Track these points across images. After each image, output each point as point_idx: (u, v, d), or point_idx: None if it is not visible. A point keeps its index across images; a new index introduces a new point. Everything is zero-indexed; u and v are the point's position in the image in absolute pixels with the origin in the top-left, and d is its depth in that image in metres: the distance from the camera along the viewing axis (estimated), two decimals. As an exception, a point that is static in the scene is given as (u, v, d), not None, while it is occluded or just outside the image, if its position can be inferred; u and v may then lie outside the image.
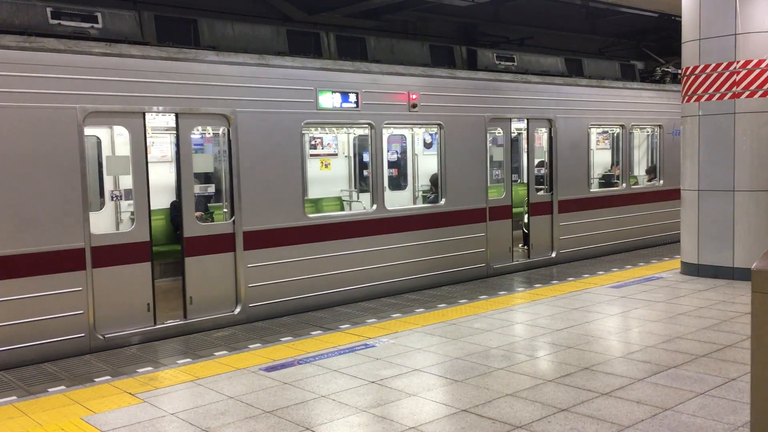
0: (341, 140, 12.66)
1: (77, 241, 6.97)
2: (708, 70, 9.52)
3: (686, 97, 9.89)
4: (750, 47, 9.20)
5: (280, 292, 8.42)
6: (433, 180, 11.65)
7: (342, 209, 12.03)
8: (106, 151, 9.44)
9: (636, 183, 14.33)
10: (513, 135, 16.28)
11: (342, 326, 7.67)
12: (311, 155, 12.25)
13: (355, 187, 12.76)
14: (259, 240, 8.22)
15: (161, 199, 10.64)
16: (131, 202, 10.32)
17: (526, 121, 11.45)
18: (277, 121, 8.35)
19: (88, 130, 7.27)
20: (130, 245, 7.33)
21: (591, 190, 12.46)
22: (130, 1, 9.34)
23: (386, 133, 10.85)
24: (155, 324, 7.45)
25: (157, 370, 6.21)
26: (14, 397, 5.59)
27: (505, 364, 6.05)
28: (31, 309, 6.73)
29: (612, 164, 15.89)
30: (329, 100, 8.81)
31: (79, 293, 7.00)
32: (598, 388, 5.38)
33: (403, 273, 9.62)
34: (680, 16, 10.01)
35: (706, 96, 9.58)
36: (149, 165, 10.33)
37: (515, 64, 11.49)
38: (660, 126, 13.61)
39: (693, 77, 9.72)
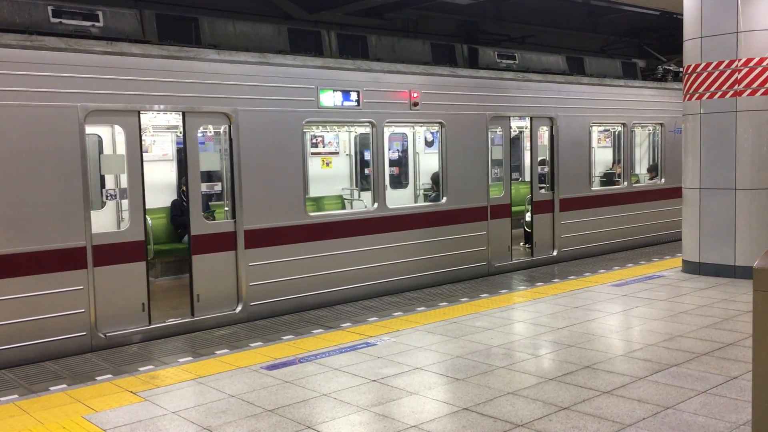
0: (342, 139, 12.66)
1: (78, 239, 6.97)
2: (710, 68, 9.51)
3: (688, 96, 9.88)
4: (751, 45, 9.19)
5: (281, 290, 8.42)
6: (435, 178, 11.65)
7: (343, 208, 12.02)
8: (107, 150, 9.45)
9: (637, 181, 14.32)
10: (514, 133, 16.34)
11: (343, 325, 7.67)
12: (312, 154, 12.26)
13: (357, 186, 12.75)
14: (260, 238, 8.23)
15: (162, 197, 10.67)
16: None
17: (529, 119, 11.44)
18: (278, 120, 8.35)
19: (90, 129, 7.27)
20: (124, 244, 7.31)
21: (592, 189, 12.45)
22: (132, -1, 9.35)
23: (387, 132, 10.85)
24: (150, 324, 7.41)
25: (159, 368, 6.22)
26: (16, 396, 5.59)
27: (507, 363, 6.05)
28: (32, 307, 6.73)
29: (613, 162, 15.89)
30: (330, 98, 8.80)
31: (80, 292, 7.00)
32: (599, 387, 5.38)
33: (404, 271, 9.62)
34: (682, 14, 10.00)
35: (708, 94, 9.56)
36: (147, 163, 10.38)
37: (516, 62, 11.48)
38: (661, 124, 13.60)
39: (694, 75, 9.71)
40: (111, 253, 7.22)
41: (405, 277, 9.63)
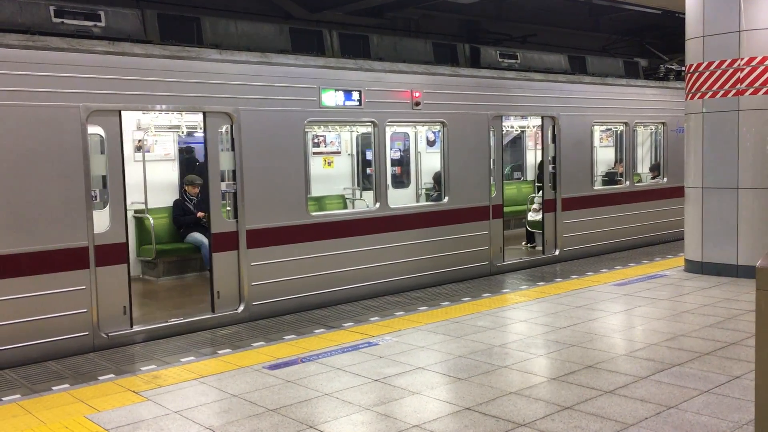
0: (344, 138, 12.66)
1: (81, 239, 6.98)
2: (712, 67, 9.49)
3: (690, 95, 9.87)
4: (754, 44, 9.17)
5: (283, 290, 8.42)
6: (436, 178, 11.65)
7: (345, 207, 12.03)
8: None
9: (639, 181, 14.31)
10: (515, 133, 16.34)
11: (345, 324, 7.67)
12: (314, 153, 12.26)
13: (358, 185, 12.76)
14: (262, 238, 8.23)
15: (164, 197, 10.68)
16: (133, 200, 10.40)
17: (540, 118, 11.44)
18: (280, 119, 8.35)
19: (92, 129, 7.27)
20: (104, 246, 7.20)
21: (594, 188, 12.44)
22: (133, -1, 9.36)
23: (389, 131, 10.85)
24: (131, 327, 7.35)
25: (161, 368, 6.22)
26: (18, 396, 5.60)
27: (509, 362, 6.05)
28: (35, 307, 6.74)
29: (615, 162, 15.88)
30: (332, 98, 8.80)
31: (82, 292, 7.00)
32: (601, 386, 5.37)
33: (406, 271, 9.62)
34: (684, 13, 9.98)
35: (710, 93, 9.55)
36: (149, 163, 10.37)
37: (518, 61, 11.47)
38: (664, 123, 13.59)
39: (697, 74, 9.69)
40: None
41: (407, 276, 9.62)
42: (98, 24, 7.46)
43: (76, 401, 5.39)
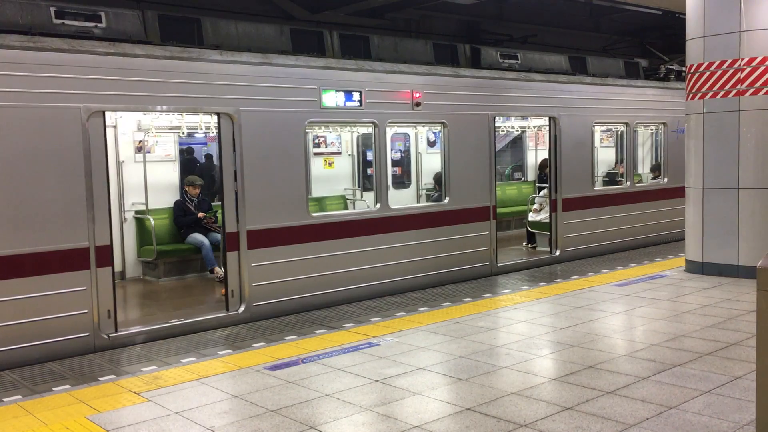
0: (345, 139, 12.67)
1: (82, 240, 6.98)
2: (712, 68, 9.49)
3: (690, 95, 9.87)
4: (755, 44, 9.17)
5: (283, 290, 8.42)
6: (437, 178, 11.65)
7: (345, 208, 12.04)
8: (110, 150, 9.45)
9: (640, 181, 14.32)
10: (516, 133, 16.35)
11: (346, 325, 7.67)
12: (315, 154, 12.27)
13: (359, 186, 12.76)
14: (262, 239, 8.23)
15: (165, 198, 10.69)
16: (134, 201, 10.41)
17: (548, 119, 11.45)
18: (280, 120, 8.35)
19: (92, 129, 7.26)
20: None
21: (595, 188, 12.44)
22: (134, 0, 9.35)
23: (390, 132, 10.85)
24: (116, 331, 7.32)
25: (162, 369, 6.22)
26: (19, 396, 5.60)
27: (510, 363, 6.05)
28: (35, 308, 6.74)
29: (616, 162, 15.88)
30: (333, 98, 8.80)
31: (83, 293, 7.01)
32: (602, 387, 5.37)
33: (406, 272, 9.62)
34: (684, 14, 9.98)
35: (711, 93, 9.55)
36: (150, 164, 10.38)
37: (519, 62, 11.47)
38: (664, 124, 13.59)
39: (697, 75, 9.69)
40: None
41: (408, 277, 9.62)
42: (99, 25, 7.46)
43: (77, 402, 5.39)
